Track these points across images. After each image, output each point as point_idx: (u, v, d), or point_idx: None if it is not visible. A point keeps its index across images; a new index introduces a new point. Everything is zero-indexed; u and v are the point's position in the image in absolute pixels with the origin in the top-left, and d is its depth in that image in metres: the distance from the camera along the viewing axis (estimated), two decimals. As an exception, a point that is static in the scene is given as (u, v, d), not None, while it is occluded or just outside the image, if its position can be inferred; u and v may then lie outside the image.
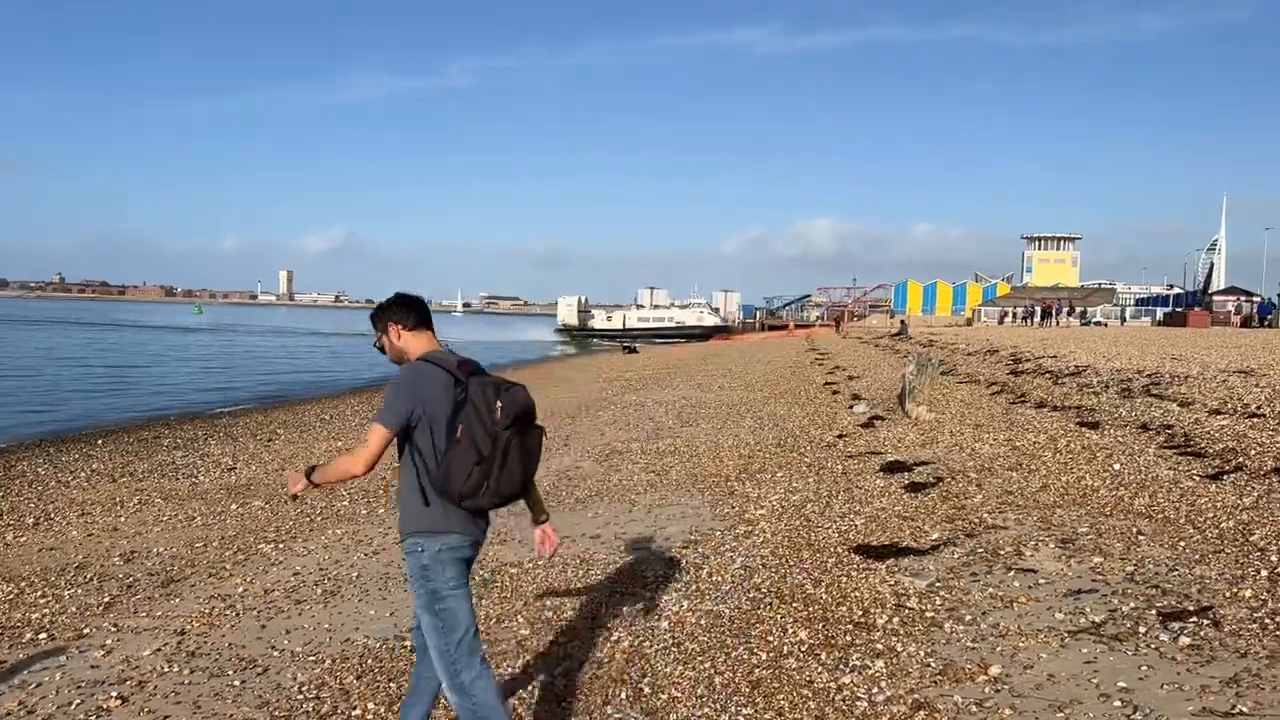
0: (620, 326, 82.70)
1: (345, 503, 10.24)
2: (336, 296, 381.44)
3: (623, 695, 4.50)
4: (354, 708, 4.61)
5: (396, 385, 3.46)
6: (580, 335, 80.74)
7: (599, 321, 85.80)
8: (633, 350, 54.92)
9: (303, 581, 7.02)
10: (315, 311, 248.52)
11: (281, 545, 8.29)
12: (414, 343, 3.62)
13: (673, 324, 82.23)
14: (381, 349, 3.69)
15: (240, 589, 6.87)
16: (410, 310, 3.65)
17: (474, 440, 3.33)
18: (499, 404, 3.36)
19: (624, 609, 5.78)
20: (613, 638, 5.29)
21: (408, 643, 5.49)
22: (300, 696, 4.77)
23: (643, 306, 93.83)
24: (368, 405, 24.11)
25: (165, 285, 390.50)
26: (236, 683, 5.00)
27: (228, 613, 6.28)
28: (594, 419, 17.27)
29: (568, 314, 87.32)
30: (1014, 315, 63.55)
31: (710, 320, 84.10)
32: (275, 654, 5.43)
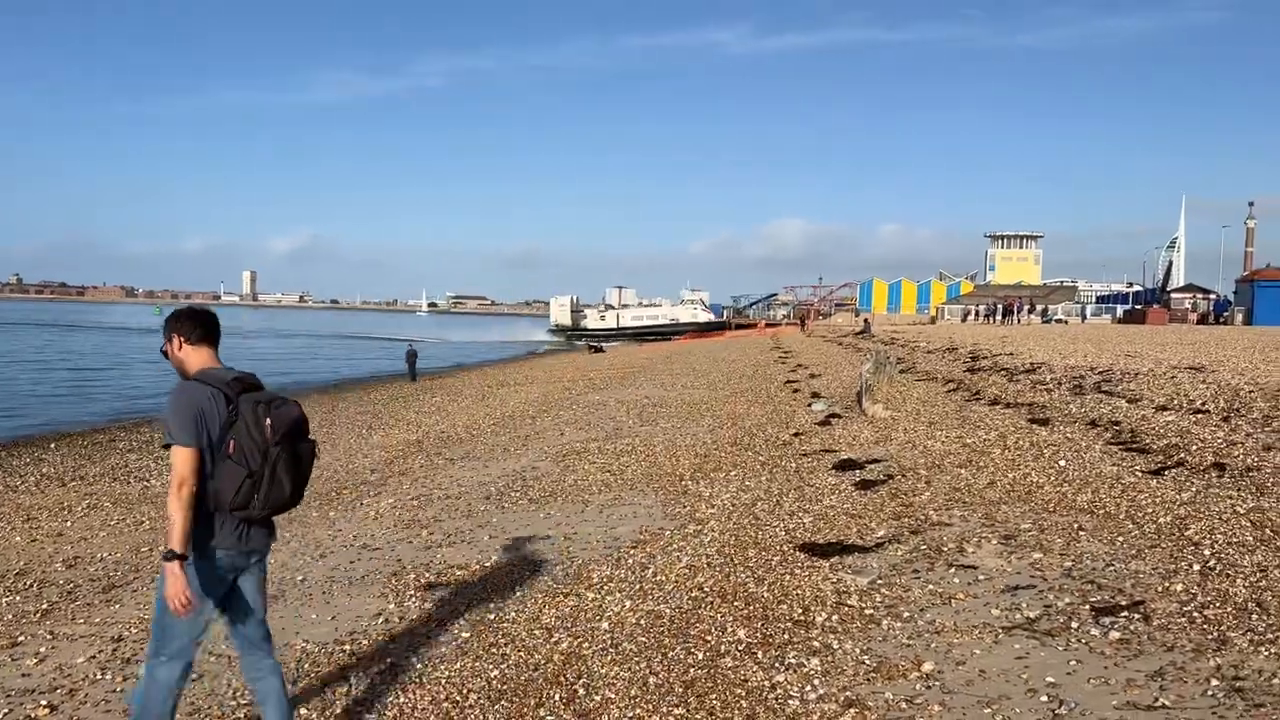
0: (614, 325, 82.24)
1: (297, 506, 10.14)
2: (301, 297, 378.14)
3: (557, 697, 4.50)
4: (287, 713, 4.56)
5: (175, 406, 3.53)
6: (574, 335, 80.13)
7: (592, 321, 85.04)
8: (599, 350, 54.87)
9: (247, 586, 6.93)
10: (279, 312, 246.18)
11: (228, 549, 8.19)
12: (194, 357, 3.69)
13: (668, 320, 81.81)
14: (166, 355, 3.76)
15: (182, 594, 6.78)
16: (196, 325, 3.72)
17: (244, 455, 3.50)
18: (268, 420, 3.53)
19: (567, 610, 5.77)
20: (552, 639, 5.28)
21: (347, 646, 5.47)
22: (233, 703, 4.72)
23: (629, 306, 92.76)
24: (327, 407, 23.93)
25: (126, 286, 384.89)
26: (170, 690, 4.93)
27: (167, 619, 6.19)
28: (555, 418, 17.25)
29: (560, 314, 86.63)
30: (977, 313, 64.19)
31: (704, 316, 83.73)
32: (212, 659, 5.35)
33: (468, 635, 5.48)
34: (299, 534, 8.59)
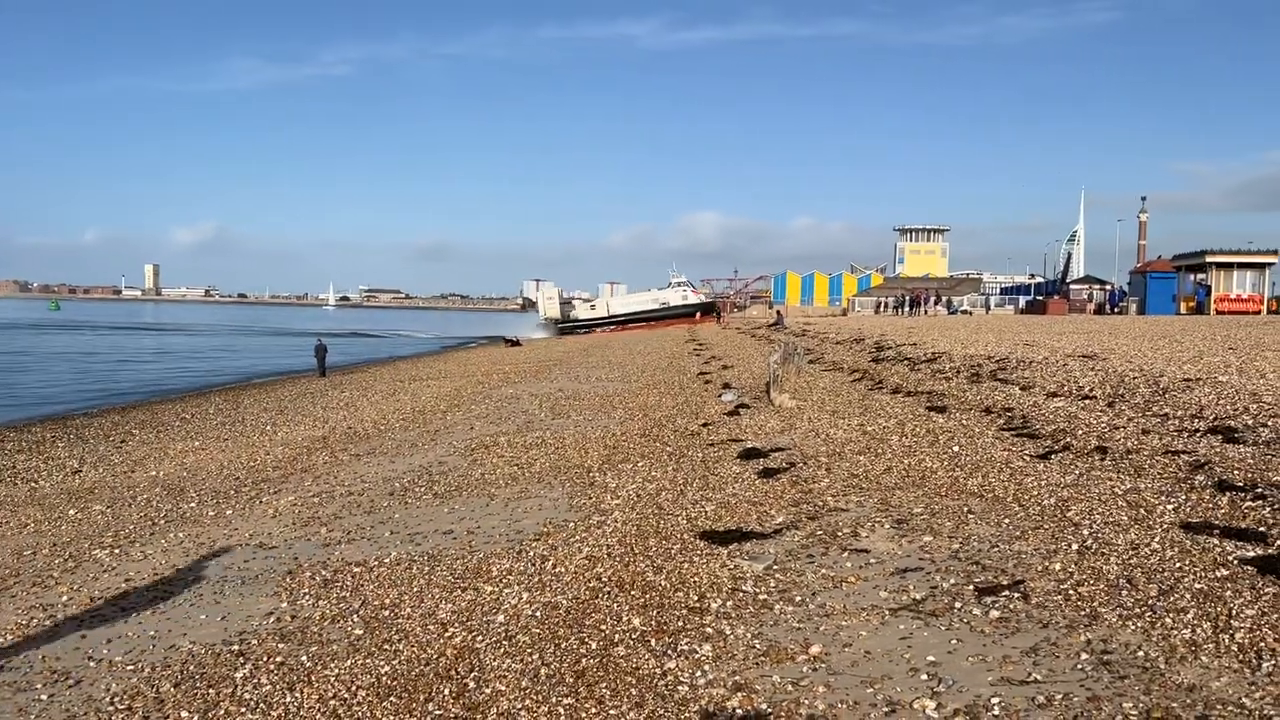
0: (605, 314, 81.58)
1: (193, 504, 9.89)
2: (207, 291, 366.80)
3: (446, 691, 4.47)
4: (167, 716, 4.45)
5: None
6: (565, 327, 79.06)
7: (582, 311, 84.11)
8: (515, 344, 54.53)
9: (134, 587, 6.74)
10: (184, 307, 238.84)
11: (118, 551, 7.95)
12: None
13: (659, 305, 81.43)
14: None
15: (65, 598, 6.56)
16: None
17: None
18: None
19: (463, 604, 5.73)
20: (447, 633, 5.24)
21: (235, 646, 5.34)
22: (111, 708, 4.58)
23: (618, 294, 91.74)
24: (232, 404, 23.32)
25: (19, 280, 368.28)
26: (44, 697, 4.77)
27: (46, 623, 5.99)
28: (466, 413, 17.09)
29: (549, 306, 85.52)
30: (886, 305, 65.63)
31: (694, 299, 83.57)
32: (91, 665, 5.19)
33: (360, 632, 5.40)
34: (192, 534, 8.37)
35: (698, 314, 75.88)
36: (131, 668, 5.11)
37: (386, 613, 5.71)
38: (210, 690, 4.72)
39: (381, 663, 4.90)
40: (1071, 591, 5.10)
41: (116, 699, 4.66)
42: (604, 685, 4.40)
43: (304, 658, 5.07)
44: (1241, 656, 4.10)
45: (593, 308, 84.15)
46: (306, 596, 6.20)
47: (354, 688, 4.60)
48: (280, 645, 5.31)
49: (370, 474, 10.91)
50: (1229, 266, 44.56)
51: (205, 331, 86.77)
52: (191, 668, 5.06)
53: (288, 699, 4.56)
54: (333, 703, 4.46)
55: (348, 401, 21.80)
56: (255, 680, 4.82)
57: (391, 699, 4.45)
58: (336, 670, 4.84)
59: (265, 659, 5.11)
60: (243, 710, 4.48)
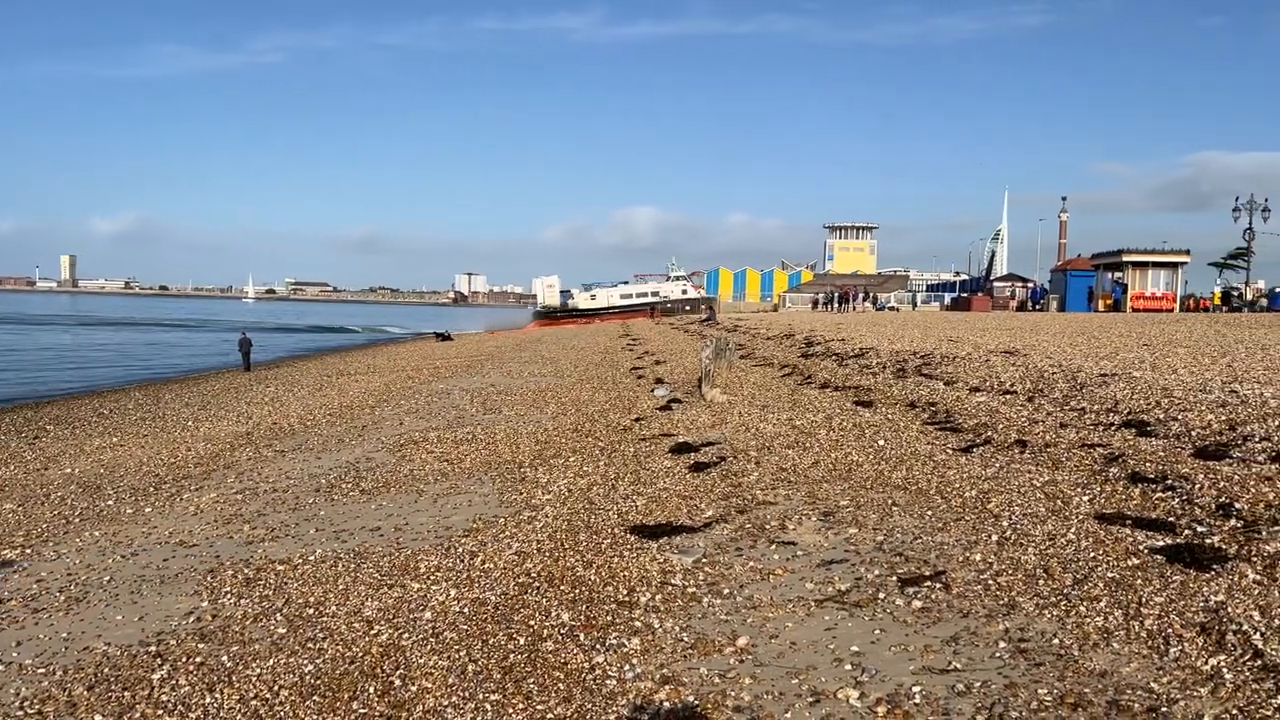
0: (605, 305, 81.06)
1: (110, 502, 9.61)
2: (126, 283, 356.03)
3: (372, 689, 4.41)
4: (80, 721, 4.31)
5: None
6: (563, 316, 78.14)
7: (582, 301, 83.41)
8: (446, 338, 54.00)
9: (46, 588, 6.52)
10: (102, 299, 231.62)
11: (29, 550, 7.68)
12: None
13: (658, 298, 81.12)
14: None
15: (-29, 601, 6.31)
16: None
17: None
18: None
19: (390, 602, 5.66)
20: (372, 631, 5.17)
21: (153, 648, 5.21)
22: (20, 713, 4.43)
23: (618, 285, 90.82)
24: (153, 400, 22.71)
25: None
26: (-53, 704, 4.59)
27: (-49, 628, 5.75)
28: (395, 408, 16.87)
29: (549, 295, 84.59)
30: (819, 302, 66.48)
31: (694, 294, 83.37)
32: (0, 668, 5.01)
33: (284, 631, 5.30)
34: (109, 532, 8.13)
35: (651, 310, 76.06)
36: (43, 670, 4.94)
37: (311, 611, 5.62)
38: (126, 693, 4.59)
39: (305, 661, 4.82)
40: (991, 581, 5.23)
41: (26, 703, 4.51)
42: (532, 681, 4.39)
43: (225, 658, 4.96)
44: (1150, 642, 4.24)
45: (593, 298, 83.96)
46: (228, 595, 6.06)
47: (276, 687, 4.52)
48: (200, 645, 5.19)
49: (296, 470, 10.71)
50: (1144, 265, 46.02)
51: (125, 324, 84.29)
52: (106, 670, 4.91)
53: (207, 700, 4.46)
54: (254, 703, 4.37)
55: (273, 397, 21.37)
56: (173, 681, 4.70)
57: (315, 698, 4.38)
58: (258, 670, 4.75)
59: (184, 659, 4.99)
60: (160, 713, 4.37)
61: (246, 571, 6.59)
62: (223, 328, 75.40)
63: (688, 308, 76.39)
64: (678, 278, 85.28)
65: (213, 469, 11.36)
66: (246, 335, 34.85)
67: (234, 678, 4.68)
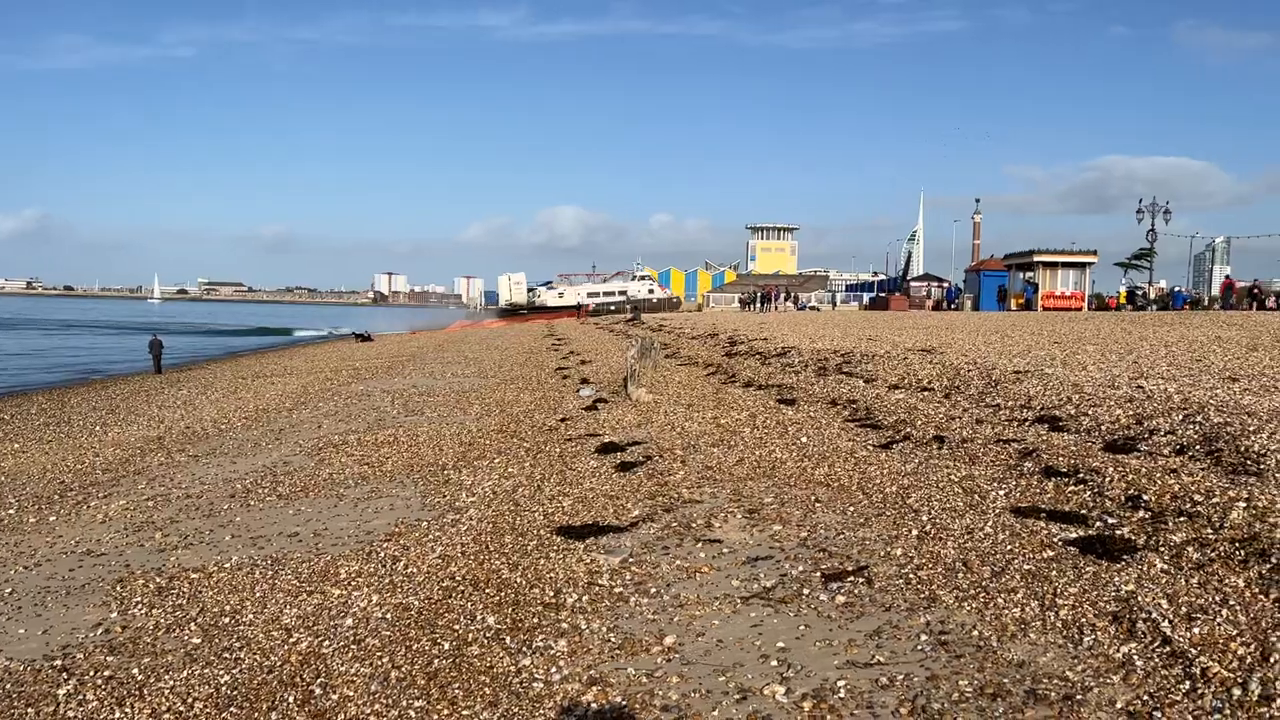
0: (573, 303, 79.99)
1: (11, 511, 9.20)
2: (29, 283, 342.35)
3: (291, 699, 4.29)
4: (-22, 741, 4.12)
5: None
6: (529, 313, 76.73)
7: (550, 299, 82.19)
8: (366, 339, 53.07)
9: (-59, 604, 6.21)
10: (3, 300, 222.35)
11: (-78, 564, 7.31)
12: None
13: (625, 297, 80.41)
14: None
15: None
16: None
17: None
18: None
19: (309, 609, 5.52)
20: (291, 639, 5.04)
21: (59, 661, 5.00)
22: (-87, 735, 4.21)
23: (583, 283, 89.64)
24: (57, 404, 21.86)
25: None
26: None
27: None
28: (314, 410, 16.51)
29: (516, 292, 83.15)
30: (744, 301, 67.11)
31: (660, 293, 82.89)
32: (-110, 688, 4.75)
33: (198, 641, 5.14)
34: (9, 542, 7.79)
35: (580, 310, 75.90)
36: (-63, 690, 4.70)
37: (227, 620, 5.45)
38: (29, 709, 4.39)
39: (221, 672, 4.67)
40: (912, 575, 5.32)
41: (-81, 724, 4.29)
42: (457, 685, 4.32)
43: (135, 670, 4.78)
44: (1065, 632, 4.36)
45: (560, 295, 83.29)
46: (139, 605, 5.85)
47: (190, 700, 4.37)
48: (109, 658, 4.99)
49: (209, 475, 10.41)
50: (1054, 265, 47.42)
51: (26, 326, 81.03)
52: (8, 686, 4.70)
53: (116, 715, 4.29)
54: (167, 716, 4.23)
55: (185, 400, 20.75)
56: (80, 696, 4.52)
57: (232, 709, 4.25)
58: (171, 682, 4.59)
59: (92, 673, 4.80)
60: (66, 730, 4.19)
61: (158, 580, 6.37)
62: (135, 329, 72.99)
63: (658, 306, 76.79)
64: (643, 277, 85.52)
65: (122, 475, 10.97)
66: (157, 337, 33.76)
67: (145, 691, 4.52)
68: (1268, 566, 4.69)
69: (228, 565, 6.64)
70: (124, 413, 18.88)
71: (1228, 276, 60.42)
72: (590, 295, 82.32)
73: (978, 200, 79.52)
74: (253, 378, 26.87)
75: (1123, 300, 50.66)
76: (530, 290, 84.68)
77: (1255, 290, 45.70)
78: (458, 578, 5.92)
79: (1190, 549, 5.10)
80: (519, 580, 5.80)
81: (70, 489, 10.25)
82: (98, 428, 16.38)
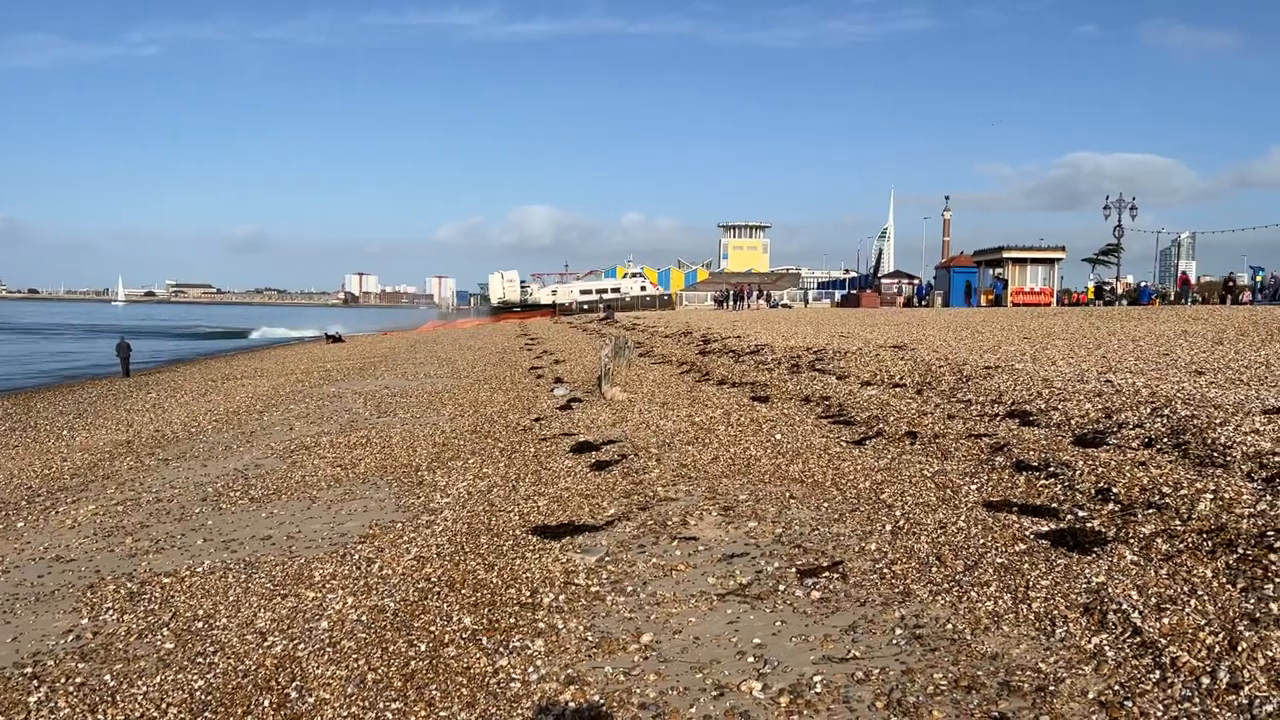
0: (566, 300, 79.76)
1: (-26, 518, 9.05)
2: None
3: (266, 703, 4.26)
4: (-53, 752, 4.06)
5: None
6: (522, 311, 76.39)
7: (543, 296, 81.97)
8: (337, 339, 52.70)
9: (-93, 612, 6.10)
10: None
11: (-114, 573, 7.18)
12: None
13: (618, 294, 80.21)
14: None
15: None
16: None
17: None
18: None
19: (283, 612, 5.48)
20: (266, 643, 5.00)
21: (29, 669, 4.93)
22: (-121, 746, 4.14)
23: (577, 280, 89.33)
24: (22, 408, 21.54)
25: None
26: None
27: None
28: (285, 413, 16.38)
29: (509, 290, 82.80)
30: (720, 300, 67.24)
31: (653, 290, 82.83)
32: None
33: (171, 646, 5.09)
34: (-24, 550, 7.66)
35: (553, 310, 75.90)
36: (-96, 700, 4.63)
37: (200, 624, 5.40)
38: (0, 717, 4.34)
39: (195, 677, 4.63)
40: (886, 570, 5.36)
41: (-114, 735, 4.22)
42: (434, 687, 4.31)
43: (108, 677, 4.73)
44: (1038, 624, 4.41)
45: (554, 293, 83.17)
46: (110, 611, 5.78)
47: (164, 705, 4.33)
48: (80, 665, 4.94)
49: (180, 479, 10.30)
50: (1023, 261, 47.83)
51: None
52: (-24, 695, 4.63)
53: (89, 723, 4.24)
54: (141, 724, 4.18)
55: (155, 403, 20.51)
56: (52, 704, 4.46)
57: (206, 714, 4.21)
58: (144, 688, 4.54)
59: (63, 680, 4.74)
60: (37, 738, 4.14)
61: (130, 586, 6.30)
62: (104, 333, 72.02)
63: (650, 303, 76.87)
64: (636, 274, 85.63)
65: (91, 479, 10.83)
66: (125, 340, 33.35)
67: (118, 697, 4.47)
68: (1235, 557, 4.76)
69: (200, 569, 6.58)
70: (92, 416, 18.64)
71: (1183, 272, 61.33)
72: (584, 293, 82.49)
73: (947, 198, 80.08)
74: (222, 380, 26.61)
75: (1091, 295, 51.20)
76: (522, 287, 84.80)
77: (1230, 284, 46.47)
78: (434, 579, 5.90)
79: (1159, 540, 5.18)
80: (495, 581, 5.79)
81: (38, 494, 10.11)
82: (65, 432, 16.16)
